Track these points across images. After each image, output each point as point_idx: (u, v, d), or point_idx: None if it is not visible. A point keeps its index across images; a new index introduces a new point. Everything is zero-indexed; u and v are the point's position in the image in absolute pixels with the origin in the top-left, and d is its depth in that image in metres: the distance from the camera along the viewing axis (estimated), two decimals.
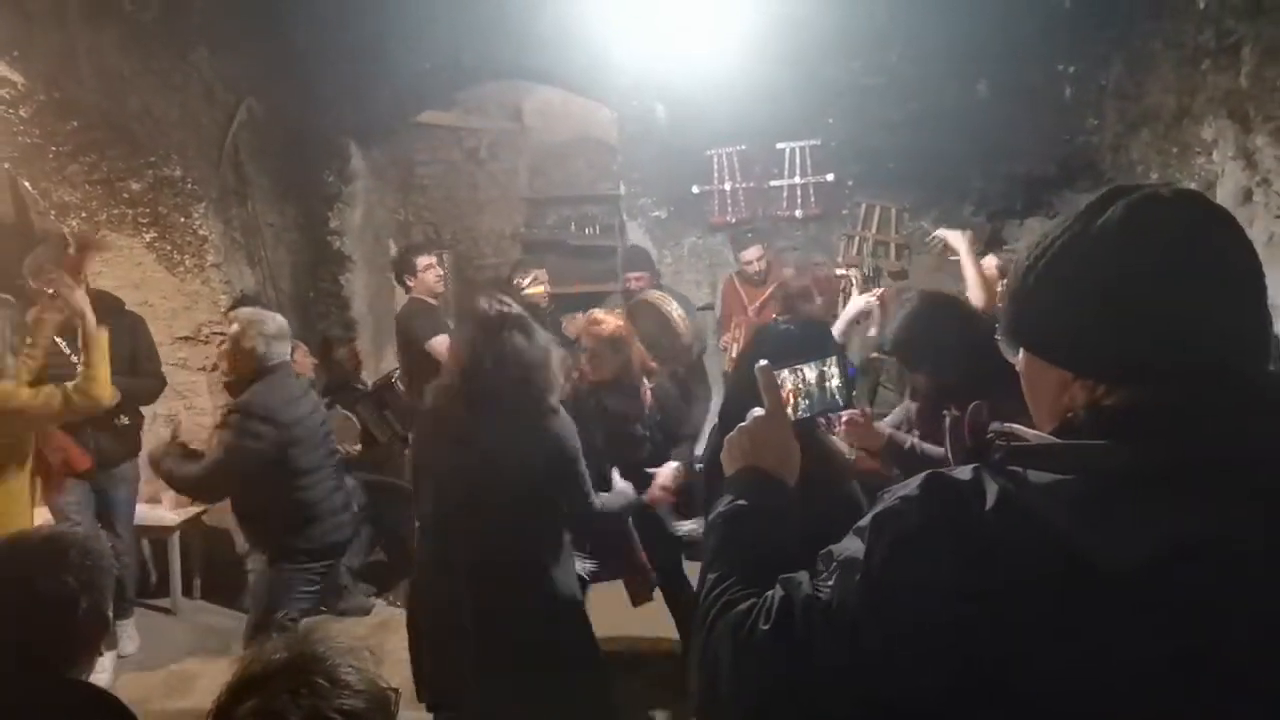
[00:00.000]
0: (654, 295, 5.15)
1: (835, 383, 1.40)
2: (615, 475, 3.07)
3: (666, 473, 3.27)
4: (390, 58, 5.37)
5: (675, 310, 5.02)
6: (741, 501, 1.14)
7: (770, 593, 0.97)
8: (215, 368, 4.83)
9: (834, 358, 1.40)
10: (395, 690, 1.18)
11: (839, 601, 0.90)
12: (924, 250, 5.35)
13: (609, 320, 3.40)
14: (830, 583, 0.92)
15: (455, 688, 2.67)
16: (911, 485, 0.90)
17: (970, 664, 0.83)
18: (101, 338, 3.19)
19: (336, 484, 3.54)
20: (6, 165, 4.49)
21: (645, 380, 3.53)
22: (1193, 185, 4.24)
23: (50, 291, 3.23)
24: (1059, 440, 0.89)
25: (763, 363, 1.27)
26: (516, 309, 2.66)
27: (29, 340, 3.10)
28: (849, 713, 0.90)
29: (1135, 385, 0.86)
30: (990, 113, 5.24)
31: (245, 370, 3.27)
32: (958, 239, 3.83)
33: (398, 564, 4.80)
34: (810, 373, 1.37)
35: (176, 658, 4.24)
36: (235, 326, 3.30)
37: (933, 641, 0.84)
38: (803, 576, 0.96)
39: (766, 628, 0.94)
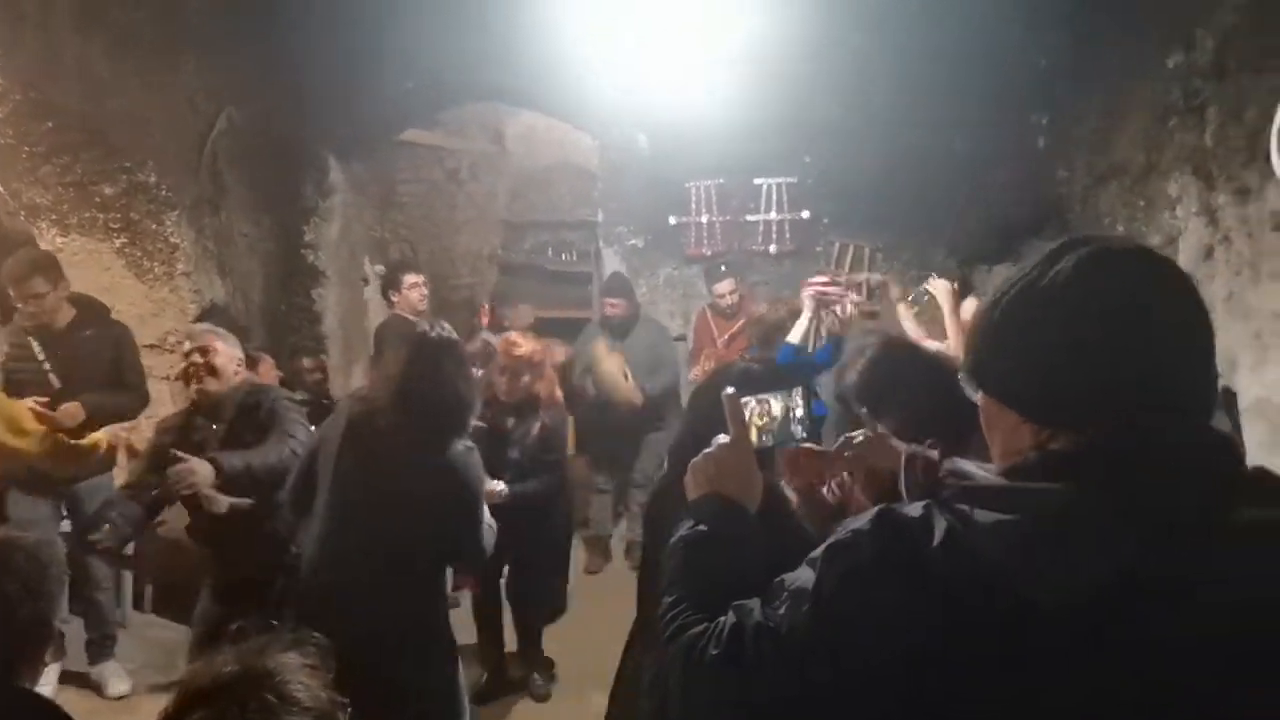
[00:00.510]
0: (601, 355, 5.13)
1: (799, 413, 1.41)
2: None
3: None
4: (376, 74, 5.40)
5: (610, 371, 5.03)
6: (702, 527, 1.16)
7: (722, 619, 0.98)
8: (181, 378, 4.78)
9: (800, 389, 1.42)
10: (346, 704, 1.17)
11: (788, 629, 0.92)
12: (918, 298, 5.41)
13: (526, 344, 3.57)
14: (781, 611, 0.94)
15: None
16: (864, 519, 0.92)
17: (916, 696, 0.85)
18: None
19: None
20: None
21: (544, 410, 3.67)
22: (1157, 239, 4.34)
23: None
24: (1005, 481, 0.91)
25: (729, 390, 1.29)
26: (454, 336, 2.70)
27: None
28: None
29: (1078, 431, 0.89)
30: (964, 160, 5.35)
31: (226, 375, 3.19)
32: (943, 291, 3.88)
33: None
34: (775, 404, 1.39)
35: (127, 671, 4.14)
36: (201, 345, 3.18)
37: (880, 672, 0.86)
38: (755, 603, 0.98)
39: (716, 653, 0.96)
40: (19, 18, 3.67)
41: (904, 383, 2.51)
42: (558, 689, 4.00)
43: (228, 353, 3.17)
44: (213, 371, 3.11)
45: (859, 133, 5.41)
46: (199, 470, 2.76)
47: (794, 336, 3.55)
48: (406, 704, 2.44)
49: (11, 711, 1.46)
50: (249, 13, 5.04)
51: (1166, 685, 0.80)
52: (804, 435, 1.43)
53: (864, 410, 2.19)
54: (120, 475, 3.79)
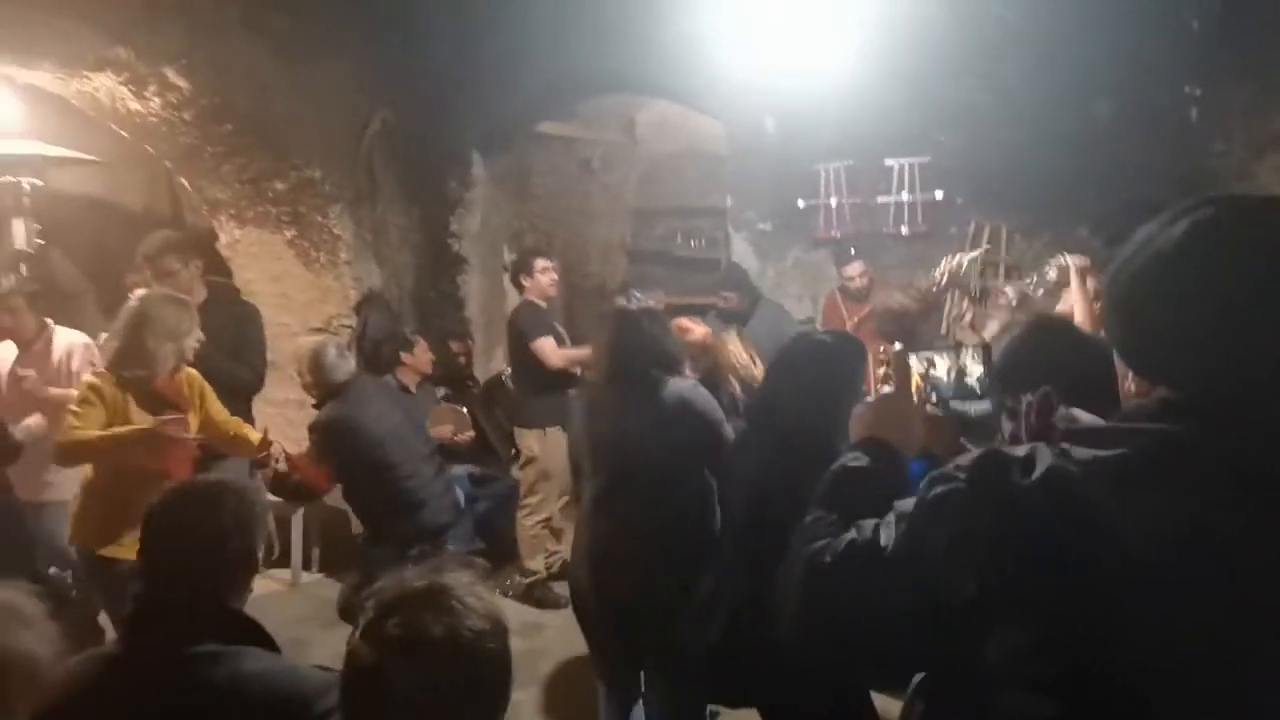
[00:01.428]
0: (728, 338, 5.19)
1: (976, 373, 1.48)
2: None
3: None
4: (515, 70, 5.64)
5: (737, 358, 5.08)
6: (857, 460, 1.29)
7: (846, 534, 1.10)
8: None
9: (972, 349, 1.49)
10: (504, 620, 1.36)
11: (888, 547, 1.03)
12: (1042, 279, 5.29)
13: (694, 328, 3.74)
14: (887, 531, 1.05)
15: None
16: (968, 456, 1.01)
17: (995, 622, 0.94)
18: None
19: (435, 471, 3.91)
20: (168, 164, 4.95)
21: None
22: None
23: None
24: (1104, 423, 0.99)
25: (897, 346, 1.41)
26: (651, 304, 3.00)
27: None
28: (883, 643, 1.06)
29: (1175, 385, 0.94)
30: (1110, 134, 5.13)
31: (322, 395, 3.79)
32: (1074, 267, 3.79)
33: (499, 554, 5.02)
34: (941, 362, 1.47)
35: (293, 627, 4.54)
36: (301, 365, 3.81)
37: (959, 595, 0.95)
38: (872, 522, 1.08)
39: (829, 560, 1.08)
40: (196, 26, 4.05)
41: (1047, 358, 2.49)
42: None
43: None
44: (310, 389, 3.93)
45: (995, 108, 5.27)
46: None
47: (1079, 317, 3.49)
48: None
49: (225, 629, 1.71)
50: (397, 18, 5.39)
51: (1235, 629, 0.84)
52: (979, 393, 1.49)
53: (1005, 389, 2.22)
54: None
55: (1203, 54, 4.87)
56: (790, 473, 2.08)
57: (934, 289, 4.63)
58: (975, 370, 1.45)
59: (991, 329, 3.74)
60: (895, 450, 1.30)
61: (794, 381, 2.37)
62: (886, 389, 1.39)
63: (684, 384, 2.89)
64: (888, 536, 1.04)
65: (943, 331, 5.34)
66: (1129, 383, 1.02)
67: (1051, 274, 4.03)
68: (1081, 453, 0.93)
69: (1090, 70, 5.03)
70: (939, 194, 5.48)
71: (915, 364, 1.45)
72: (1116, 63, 4.97)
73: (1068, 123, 5.16)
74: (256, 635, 1.75)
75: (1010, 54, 5.15)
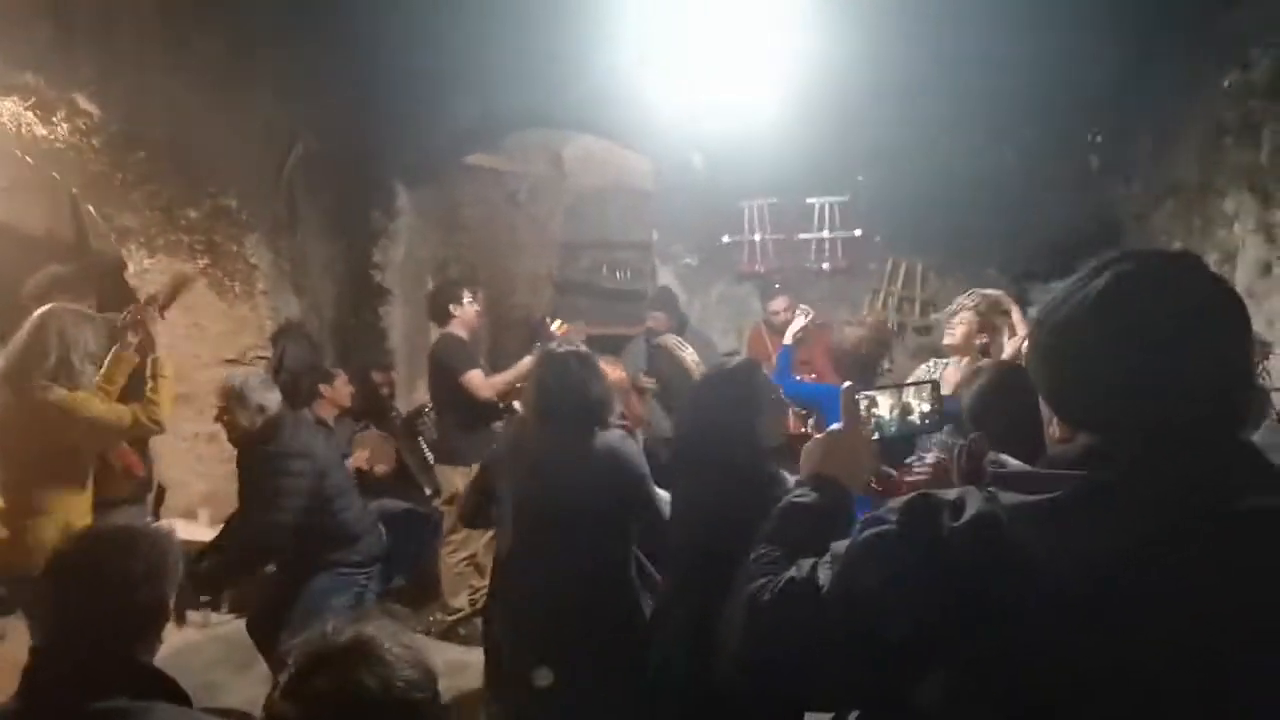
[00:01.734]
0: (670, 340, 5.30)
1: (922, 409, 1.51)
2: None
3: None
4: (442, 103, 5.63)
5: (689, 356, 5.17)
6: (805, 497, 1.30)
7: (787, 571, 1.11)
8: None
9: (922, 389, 1.52)
10: (431, 665, 1.33)
11: (823, 587, 1.05)
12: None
13: (611, 371, 3.62)
14: (823, 571, 1.07)
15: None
16: (904, 499, 1.03)
17: (922, 663, 0.96)
18: (168, 367, 3.42)
19: (364, 504, 3.82)
20: (75, 190, 4.76)
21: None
22: (1214, 256, 4.34)
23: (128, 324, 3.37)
24: (1030, 469, 1.02)
25: (847, 384, 1.43)
26: (581, 347, 2.98)
27: (106, 373, 3.25)
28: (819, 681, 1.08)
29: (1105, 432, 0.98)
30: (1018, 178, 5.38)
31: (252, 428, 3.48)
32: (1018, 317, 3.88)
33: (421, 590, 4.90)
34: (884, 401, 1.50)
35: (203, 672, 4.34)
36: (228, 398, 3.47)
37: (887, 637, 0.97)
38: (811, 561, 1.10)
39: (767, 599, 1.10)
40: (113, 53, 3.93)
41: (1005, 400, 2.59)
42: None
43: (242, 409, 3.46)
44: (234, 426, 3.49)
45: (911, 150, 5.48)
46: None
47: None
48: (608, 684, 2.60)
49: (133, 683, 1.62)
50: (320, 46, 5.31)
51: (1164, 665, 0.86)
52: (924, 429, 1.51)
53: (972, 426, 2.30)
54: None
55: (1106, 104, 5.15)
56: (723, 501, 2.19)
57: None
58: (923, 408, 1.49)
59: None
60: (843, 487, 1.32)
61: (709, 413, 2.47)
62: (835, 426, 1.40)
63: (612, 435, 2.85)
64: (825, 576, 1.06)
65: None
66: (1053, 428, 1.06)
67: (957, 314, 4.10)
68: (1009, 497, 0.96)
69: (1001, 116, 5.28)
70: (858, 232, 5.65)
71: (863, 401, 1.47)
72: (1026, 110, 5.22)
73: (979, 167, 5.39)
74: (167, 688, 1.66)
75: (926, 100, 5.36)
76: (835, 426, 1.38)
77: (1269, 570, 0.87)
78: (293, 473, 3.42)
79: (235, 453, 3.66)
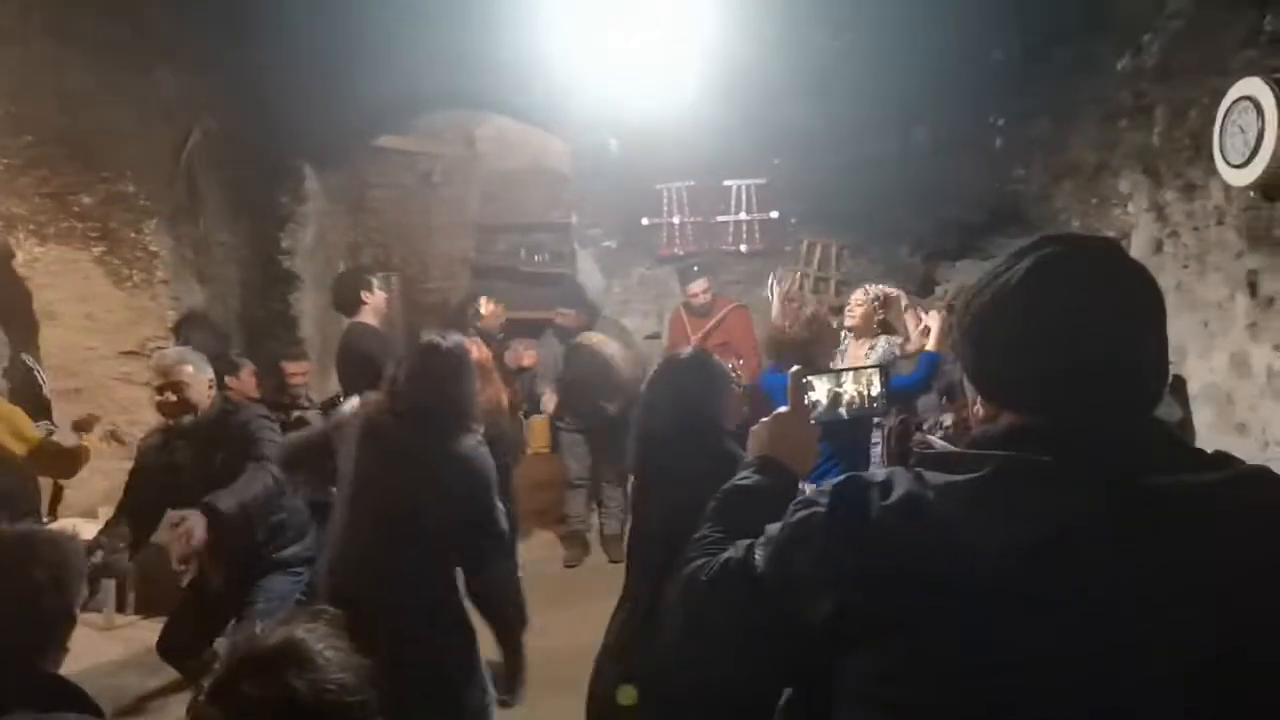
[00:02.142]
0: (593, 339, 5.30)
1: (874, 392, 1.54)
2: None
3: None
4: (352, 83, 5.46)
5: (615, 351, 5.18)
6: (749, 479, 1.31)
7: (725, 553, 1.13)
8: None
9: (875, 372, 1.54)
10: (366, 664, 1.29)
11: (756, 567, 1.07)
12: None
13: (526, 356, 3.57)
14: (758, 552, 1.09)
15: None
16: (835, 480, 1.05)
17: (852, 642, 0.98)
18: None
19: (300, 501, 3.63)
20: None
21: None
22: (1109, 234, 4.54)
23: None
24: (956, 449, 1.05)
25: (796, 368, 1.44)
26: (459, 343, 2.84)
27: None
28: (752, 660, 1.10)
29: (1027, 412, 1.01)
30: (926, 159, 5.54)
31: (202, 404, 3.25)
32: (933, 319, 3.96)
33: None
34: (848, 383, 1.52)
35: (109, 675, 4.18)
36: (171, 382, 3.22)
37: (817, 617, 0.99)
38: (747, 542, 1.11)
39: (704, 579, 1.12)
40: None
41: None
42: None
43: (199, 381, 3.23)
44: (186, 405, 3.19)
45: (823, 134, 5.57)
46: (197, 527, 2.86)
47: (932, 344, 3.63)
48: (430, 688, 2.53)
49: (39, 695, 1.54)
50: (221, 25, 5.09)
51: (1088, 641, 0.89)
52: (881, 410, 1.53)
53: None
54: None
55: (1006, 88, 5.32)
56: (693, 481, 2.16)
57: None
58: (873, 389, 1.51)
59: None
60: (788, 469, 1.34)
61: (672, 400, 2.44)
62: (782, 409, 1.40)
63: (468, 442, 2.76)
64: (760, 557, 1.07)
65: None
66: (976, 407, 1.09)
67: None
68: (936, 477, 0.98)
69: (908, 99, 5.41)
70: (774, 214, 5.72)
71: (821, 385, 1.48)
72: (931, 93, 5.36)
73: (889, 148, 5.52)
74: (75, 699, 1.59)
75: (837, 83, 5.45)
76: (781, 410, 1.39)
77: (1187, 545, 0.90)
78: (274, 429, 3.24)
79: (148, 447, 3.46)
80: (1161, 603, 0.88)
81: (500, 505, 2.80)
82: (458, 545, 2.77)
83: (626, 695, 2.51)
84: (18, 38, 3.80)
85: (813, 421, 1.43)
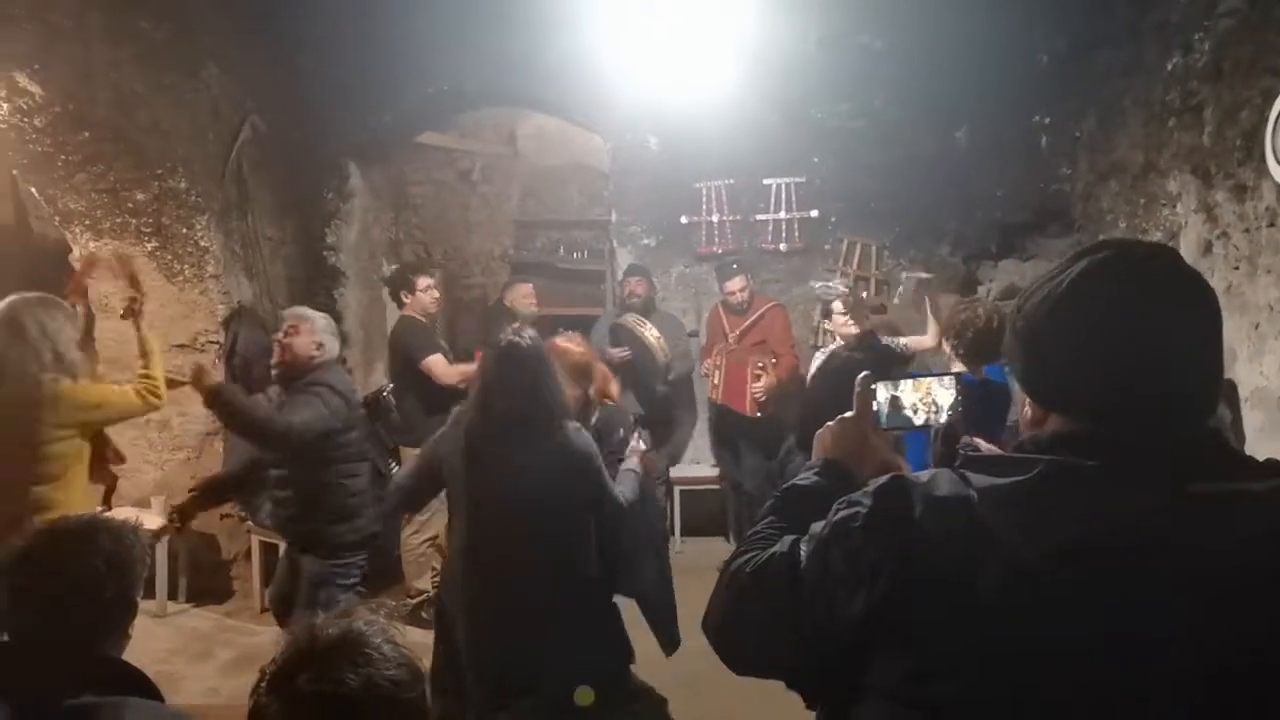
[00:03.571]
0: (630, 319, 5.33)
1: (945, 400, 1.48)
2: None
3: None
4: (393, 81, 5.55)
5: (650, 333, 5.22)
6: (806, 480, 1.34)
7: (773, 548, 1.15)
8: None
9: (947, 379, 1.47)
10: (420, 659, 1.33)
11: (802, 565, 1.09)
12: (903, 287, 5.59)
13: (573, 349, 3.47)
14: (802, 549, 1.11)
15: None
16: (880, 480, 1.07)
17: (891, 641, 0.99)
18: (156, 341, 3.42)
19: (372, 478, 3.67)
20: (15, 172, 4.61)
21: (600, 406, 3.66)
22: (1157, 235, 4.48)
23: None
24: (1004, 453, 1.06)
25: (864, 374, 1.43)
26: (536, 341, 2.89)
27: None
28: (787, 651, 1.12)
29: (1075, 417, 1.01)
30: (968, 159, 5.49)
31: (303, 365, 3.40)
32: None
33: (383, 573, 4.86)
34: (909, 389, 1.45)
35: (160, 662, 4.30)
36: (304, 322, 3.46)
37: (855, 614, 1.00)
38: (793, 539, 1.14)
39: (749, 571, 1.15)
40: (55, 33, 3.82)
41: None
42: None
43: (307, 337, 3.42)
44: (293, 352, 3.40)
45: (864, 133, 5.55)
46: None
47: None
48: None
49: (103, 678, 1.60)
50: (268, 25, 5.20)
51: (1125, 649, 0.89)
52: (949, 419, 1.48)
53: None
54: None
55: (1051, 88, 5.25)
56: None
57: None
58: (945, 398, 1.44)
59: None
60: (847, 472, 1.34)
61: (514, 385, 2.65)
62: (848, 414, 1.39)
63: (568, 432, 2.83)
64: (804, 553, 1.10)
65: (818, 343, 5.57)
66: (1026, 409, 1.10)
67: (910, 285, 4.30)
68: (980, 479, 1.00)
69: (950, 99, 5.37)
70: (814, 212, 5.70)
71: (881, 391, 1.44)
72: (974, 93, 5.32)
73: (930, 148, 5.48)
74: (138, 683, 1.65)
75: (880, 83, 5.43)
76: (844, 415, 1.39)
77: (1232, 553, 0.89)
78: (327, 404, 3.33)
79: (193, 439, 3.60)
80: (1203, 610, 0.88)
81: (609, 482, 2.88)
82: (583, 530, 2.84)
83: (584, 696, 2.58)
84: (74, 36, 3.90)
85: (883, 428, 1.42)
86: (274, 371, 3.51)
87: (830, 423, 1.40)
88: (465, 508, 2.87)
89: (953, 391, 1.45)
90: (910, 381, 1.46)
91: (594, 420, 3.58)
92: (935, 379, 1.46)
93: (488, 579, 2.81)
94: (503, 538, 2.78)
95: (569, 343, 3.44)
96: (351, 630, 1.27)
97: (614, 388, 3.78)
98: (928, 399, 1.46)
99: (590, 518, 2.86)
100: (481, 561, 2.83)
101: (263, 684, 1.23)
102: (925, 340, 4.41)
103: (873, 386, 1.41)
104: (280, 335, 3.46)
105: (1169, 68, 4.37)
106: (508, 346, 2.82)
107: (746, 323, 5.44)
